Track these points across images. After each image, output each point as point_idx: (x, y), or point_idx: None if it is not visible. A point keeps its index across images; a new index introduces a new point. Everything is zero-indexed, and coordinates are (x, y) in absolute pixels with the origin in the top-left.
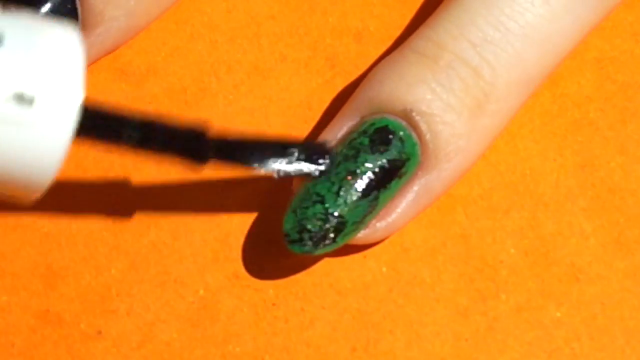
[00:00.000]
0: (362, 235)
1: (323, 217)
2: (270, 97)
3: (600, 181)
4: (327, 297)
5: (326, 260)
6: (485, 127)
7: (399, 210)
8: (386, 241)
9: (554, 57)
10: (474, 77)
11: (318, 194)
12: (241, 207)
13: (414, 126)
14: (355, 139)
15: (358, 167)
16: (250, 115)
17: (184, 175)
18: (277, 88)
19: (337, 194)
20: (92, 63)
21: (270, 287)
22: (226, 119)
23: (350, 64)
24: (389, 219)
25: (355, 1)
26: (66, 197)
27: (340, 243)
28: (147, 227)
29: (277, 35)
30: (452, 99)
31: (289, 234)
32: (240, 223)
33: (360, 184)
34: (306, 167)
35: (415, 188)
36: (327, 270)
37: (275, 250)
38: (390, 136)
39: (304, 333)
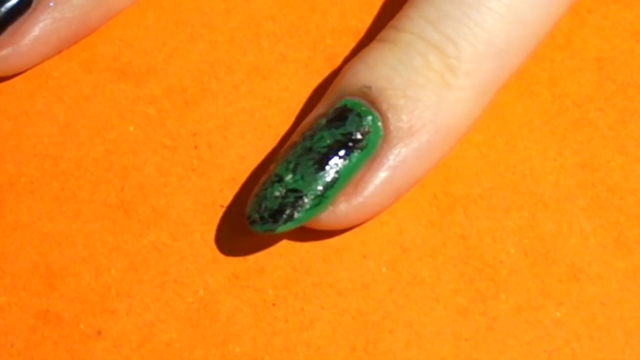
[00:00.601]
0: (333, 215)
1: (281, 193)
2: (270, 97)
3: (600, 181)
4: (327, 297)
5: (326, 260)
6: (457, 101)
7: (369, 188)
8: (386, 241)
9: (524, 28)
10: (435, 53)
11: (276, 174)
12: (241, 207)
13: (373, 101)
14: (314, 122)
15: (314, 144)
16: (250, 115)
17: (183, 175)
18: (277, 88)
19: (294, 170)
20: (74, 43)
21: (270, 287)
22: (226, 119)
23: None
24: (360, 198)
25: (355, 1)
26: (66, 197)
27: (304, 219)
28: (147, 227)
29: (277, 35)
30: (414, 75)
31: (250, 215)
32: (240, 222)
33: (316, 157)
34: None
35: (384, 162)
36: (327, 270)
37: (275, 250)
38: (347, 113)
39: (304, 333)
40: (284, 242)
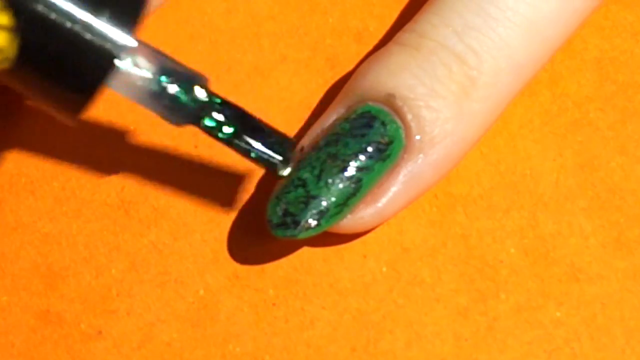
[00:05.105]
0: (351, 222)
1: (304, 200)
2: (270, 97)
3: (600, 181)
4: (327, 297)
5: (326, 260)
6: (474, 112)
7: (388, 195)
8: (386, 241)
9: (543, 44)
10: (458, 63)
11: (300, 179)
12: (241, 207)
13: (397, 110)
14: (337, 125)
15: (338, 150)
16: None
17: (183, 174)
18: (277, 88)
19: (318, 177)
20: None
21: (270, 287)
22: None
23: (350, 64)
24: (378, 205)
25: (355, 1)
26: (66, 197)
27: (325, 226)
28: (147, 227)
29: (277, 35)
30: (437, 85)
31: (271, 219)
32: (240, 223)
33: (341, 166)
34: (270, 153)
35: (403, 173)
36: (327, 270)
37: (276, 250)
38: (372, 120)
39: (304, 333)
40: (284, 242)
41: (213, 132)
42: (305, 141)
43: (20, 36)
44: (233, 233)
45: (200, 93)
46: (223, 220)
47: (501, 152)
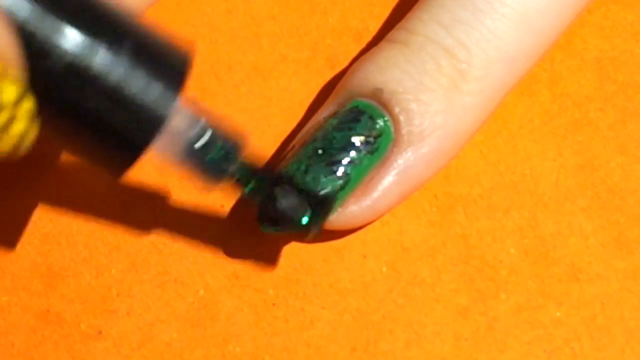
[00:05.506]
0: (342, 217)
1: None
2: (270, 97)
3: (600, 181)
4: (327, 297)
5: (326, 260)
6: (466, 106)
7: (379, 190)
8: (386, 241)
9: (535, 36)
10: (447, 57)
11: (287, 174)
12: (241, 207)
13: (385, 104)
14: (326, 122)
15: (325, 145)
16: (250, 115)
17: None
18: (277, 88)
19: (305, 171)
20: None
21: (270, 287)
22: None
23: (350, 64)
24: (369, 199)
25: (355, 1)
26: (66, 197)
27: None
28: (147, 227)
29: (277, 35)
30: (426, 79)
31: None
32: (240, 223)
33: (327, 160)
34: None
35: (394, 166)
36: (327, 270)
37: (276, 250)
38: (359, 115)
39: (304, 333)
40: (283, 240)
41: (249, 195)
42: (297, 140)
43: (41, 120)
44: (233, 233)
45: (235, 159)
46: (222, 220)
47: (501, 152)
